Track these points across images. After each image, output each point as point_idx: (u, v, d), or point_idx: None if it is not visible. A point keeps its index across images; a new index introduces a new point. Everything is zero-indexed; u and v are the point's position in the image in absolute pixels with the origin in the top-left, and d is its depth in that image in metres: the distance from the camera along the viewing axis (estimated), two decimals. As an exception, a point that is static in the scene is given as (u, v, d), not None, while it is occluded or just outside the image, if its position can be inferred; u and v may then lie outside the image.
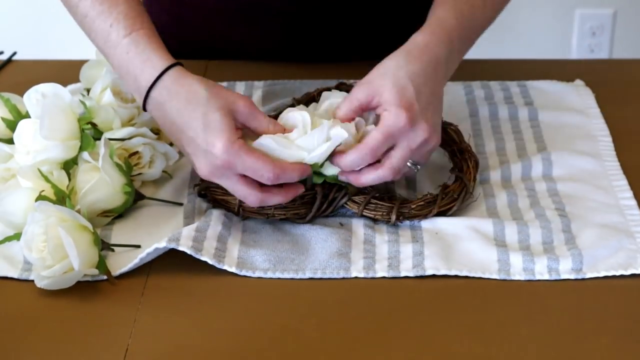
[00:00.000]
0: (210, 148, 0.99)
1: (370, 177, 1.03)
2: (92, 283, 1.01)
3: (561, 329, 0.94)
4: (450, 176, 1.12)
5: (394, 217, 1.06)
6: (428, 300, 0.98)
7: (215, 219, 1.06)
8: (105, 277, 1.01)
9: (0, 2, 2.56)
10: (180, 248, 1.00)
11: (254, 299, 0.99)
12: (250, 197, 1.01)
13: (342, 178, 1.04)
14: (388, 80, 1.02)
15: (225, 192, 1.07)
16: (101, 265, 1.01)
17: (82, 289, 1.00)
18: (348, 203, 1.07)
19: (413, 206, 1.07)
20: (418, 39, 1.06)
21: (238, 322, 0.96)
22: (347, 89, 1.22)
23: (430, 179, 1.15)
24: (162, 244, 1.00)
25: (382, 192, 1.09)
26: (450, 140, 1.17)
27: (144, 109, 1.04)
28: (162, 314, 0.97)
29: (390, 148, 1.02)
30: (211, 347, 0.93)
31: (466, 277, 1.00)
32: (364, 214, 1.07)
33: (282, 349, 0.93)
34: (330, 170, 1.04)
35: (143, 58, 1.03)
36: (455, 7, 1.08)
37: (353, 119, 1.03)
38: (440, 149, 1.18)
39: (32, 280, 1.01)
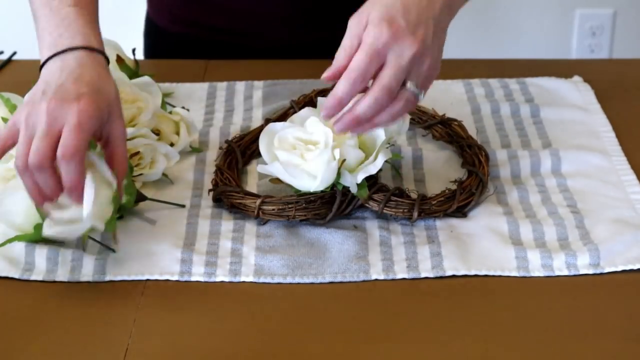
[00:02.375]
0: (74, 97, 0.97)
1: (364, 105, 0.96)
2: (92, 283, 1.01)
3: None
4: (463, 172, 1.12)
5: (415, 214, 1.06)
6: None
7: (224, 235, 1.06)
8: (105, 278, 1.01)
9: (1, 2, 2.56)
10: (193, 279, 1.01)
11: (254, 300, 0.99)
12: (40, 152, 0.95)
13: (339, 126, 0.98)
14: (377, 2, 0.96)
15: (244, 196, 1.07)
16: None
17: (82, 289, 1.00)
18: (369, 202, 1.07)
19: (434, 202, 1.07)
20: None
21: (238, 323, 0.96)
22: None
23: (437, 176, 1.15)
24: (175, 277, 1.01)
25: (394, 190, 1.08)
26: (457, 135, 1.17)
27: (41, 66, 1.03)
28: (162, 314, 0.97)
29: (381, 68, 0.96)
30: (211, 347, 0.93)
31: (485, 275, 1.01)
32: (385, 211, 1.07)
33: (282, 349, 0.93)
34: (345, 181, 1.04)
35: (82, 31, 1.03)
36: None
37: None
38: (448, 146, 1.18)
39: (33, 281, 1.01)
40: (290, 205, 1.05)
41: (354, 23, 0.97)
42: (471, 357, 0.91)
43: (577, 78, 1.34)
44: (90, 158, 0.98)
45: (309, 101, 1.21)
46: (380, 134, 1.05)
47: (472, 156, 1.14)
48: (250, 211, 1.07)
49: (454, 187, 1.10)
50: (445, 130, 1.19)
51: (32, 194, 0.98)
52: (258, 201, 1.06)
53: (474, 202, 1.08)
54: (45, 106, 0.96)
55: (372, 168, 1.04)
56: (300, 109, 1.17)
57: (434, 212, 1.07)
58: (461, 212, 1.08)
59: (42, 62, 1.03)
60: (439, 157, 1.17)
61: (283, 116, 1.21)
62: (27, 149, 0.96)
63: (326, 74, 0.97)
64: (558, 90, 1.32)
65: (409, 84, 0.97)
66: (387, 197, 1.06)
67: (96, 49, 1.03)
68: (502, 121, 1.25)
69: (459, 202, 1.07)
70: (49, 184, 0.96)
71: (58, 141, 0.96)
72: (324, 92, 1.22)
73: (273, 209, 1.06)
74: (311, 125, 1.05)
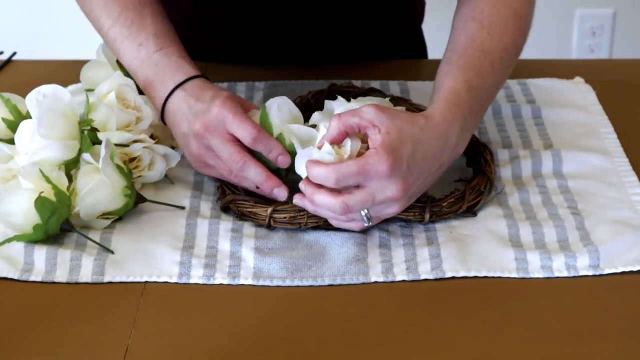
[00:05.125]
0: (210, 107, 1.06)
1: (322, 199, 1.00)
2: (92, 284, 1.01)
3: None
4: (466, 172, 1.12)
5: (427, 216, 1.06)
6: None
7: (222, 237, 1.06)
8: (104, 279, 1.01)
9: (1, 2, 2.56)
10: (192, 281, 1.01)
11: (253, 301, 0.99)
12: (233, 155, 1.05)
13: (301, 186, 1.02)
14: (394, 124, 0.99)
15: (254, 205, 1.07)
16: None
17: (82, 289, 1.00)
18: None
19: (444, 204, 1.07)
20: (435, 113, 1.03)
21: (237, 324, 0.96)
22: (338, 89, 1.23)
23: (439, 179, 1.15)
24: (173, 279, 1.01)
25: None
26: None
27: (162, 119, 1.12)
28: (162, 315, 0.97)
29: (358, 186, 1.00)
30: (210, 348, 0.93)
31: (484, 277, 1.01)
32: (396, 215, 1.06)
33: (281, 351, 0.93)
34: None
35: (174, 67, 1.12)
36: (465, 77, 1.07)
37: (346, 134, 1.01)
38: None
39: (32, 281, 1.01)
40: (302, 213, 1.05)
41: (371, 110, 1.00)
42: (471, 359, 0.91)
43: (578, 79, 1.34)
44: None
45: (306, 103, 1.21)
46: None
47: (477, 154, 1.14)
48: (261, 220, 1.06)
49: (459, 186, 1.10)
50: None
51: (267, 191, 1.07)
52: (269, 210, 1.06)
53: (482, 201, 1.08)
54: (198, 130, 1.07)
55: None
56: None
57: (445, 213, 1.06)
58: (471, 212, 1.08)
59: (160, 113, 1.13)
60: None
61: None
62: (226, 167, 1.07)
63: (317, 142, 1.03)
64: (559, 91, 1.32)
65: (364, 212, 1.01)
66: None
67: (195, 76, 1.12)
68: (504, 122, 1.25)
69: (468, 202, 1.07)
70: (261, 172, 1.06)
71: (236, 139, 1.06)
72: (320, 94, 1.22)
73: (284, 217, 1.06)
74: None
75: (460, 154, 1.06)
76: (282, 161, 1.06)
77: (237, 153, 1.06)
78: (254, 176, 1.06)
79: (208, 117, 1.06)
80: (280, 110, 1.07)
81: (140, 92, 1.16)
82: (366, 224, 1.02)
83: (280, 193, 1.06)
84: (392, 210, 1.01)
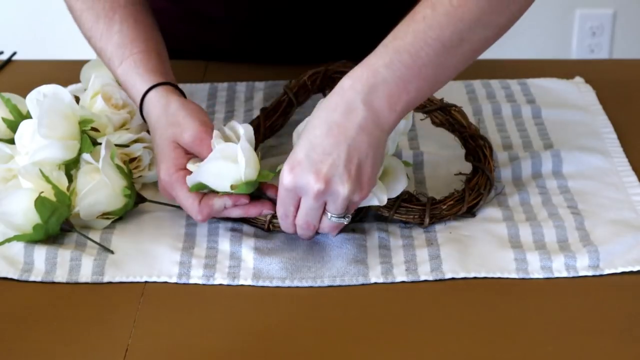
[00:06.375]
0: (158, 169, 1.06)
1: (298, 229, 1.02)
2: (91, 284, 1.01)
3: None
4: (466, 167, 1.12)
5: (427, 219, 1.05)
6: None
7: (222, 237, 1.06)
8: (103, 279, 1.01)
9: (0, 2, 2.56)
10: (192, 281, 1.01)
11: (253, 302, 0.99)
12: (192, 212, 1.04)
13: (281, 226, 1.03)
14: (301, 136, 0.99)
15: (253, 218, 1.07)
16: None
17: (82, 289, 1.00)
18: (379, 209, 1.06)
19: (444, 206, 1.06)
20: (339, 82, 0.99)
21: (237, 325, 0.96)
22: (334, 69, 1.22)
23: (438, 167, 1.15)
24: (173, 279, 1.01)
25: (403, 196, 1.07)
26: (458, 124, 1.16)
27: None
28: (162, 315, 0.97)
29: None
30: (211, 347, 0.93)
31: (484, 277, 1.01)
32: (395, 217, 1.06)
33: (280, 352, 0.92)
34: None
35: (131, 84, 1.11)
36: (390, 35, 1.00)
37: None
38: (449, 135, 1.18)
39: (32, 281, 1.01)
40: None
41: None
42: (471, 359, 0.91)
43: (578, 79, 1.34)
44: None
45: (303, 85, 1.20)
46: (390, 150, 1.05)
47: (476, 149, 1.13)
48: (260, 224, 1.06)
49: (458, 181, 1.09)
50: (446, 118, 1.17)
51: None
52: (269, 216, 1.06)
53: (482, 201, 1.08)
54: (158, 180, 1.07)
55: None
56: (294, 94, 1.17)
57: (445, 216, 1.06)
58: (470, 213, 1.08)
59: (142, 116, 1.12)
60: (441, 159, 1.17)
61: (278, 105, 1.20)
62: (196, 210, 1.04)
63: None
64: (559, 91, 1.32)
65: (329, 215, 1.00)
66: (398, 204, 1.06)
67: (154, 85, 1.10)
68: (504, 122, 1.25)
69: (468, 203, 1.07)
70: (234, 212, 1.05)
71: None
72: (317, 74, 1.21)
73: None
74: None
75: (397, 112, 0.98)
76: (242, 209, 1.05)
77: (196, 211, 1.03)
78: (235, 215, 1.05)
79: (160, 182, 1.05)
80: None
81: None
82: (339, 220, 1.00)
83: (264, 211, 1.05)
84: (341, 196, 0.97)
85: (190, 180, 1.02)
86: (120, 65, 1.12)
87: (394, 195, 1.04)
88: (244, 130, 1.02)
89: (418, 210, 1.06)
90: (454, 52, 0.99)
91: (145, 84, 1.10)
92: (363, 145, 0.97)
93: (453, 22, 0.97)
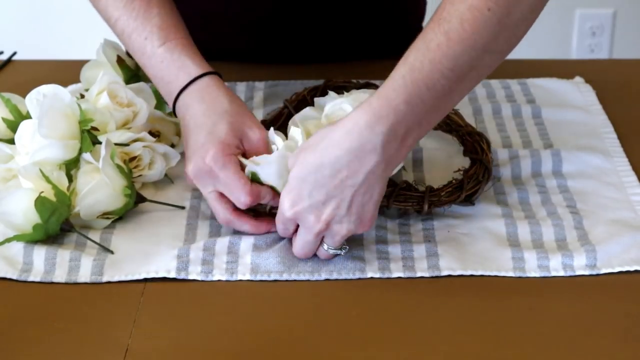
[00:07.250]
0: (203, 152, 1.02)
1: (295, 252, 1.03)
2: (91, 284, 1.01)
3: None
4: (464, 164, 1.12)
5: (426, 206, 1.05)
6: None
7: (222, 235, 1.06)
8: (103, 279, 1.01)
9: (1, 2, 2.56)
10: (191, 277, 1.01)
11: (251, 298, 0.99)
12: (220, 214, 1.04)
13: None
14: (299, 163, 0.99)
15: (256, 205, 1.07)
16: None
17: (82, 289, 1.00)
18: None
19: (442, 193, 1.07)
20: (353, 115, 0.97)
21: (238, 323, 0.96)
22: (333, 84, 1.22)
23: (436, 164, 1.15)
24: (172, 274, 1.01)
25: (402, 184, 1.07)
26: (455, 124, 1.17)
27: (174, 113, 1.10)
28: (162, 314, 0.97)
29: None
30: (211, 347, 0.93)
31: (481, 275, 1.01)
32: (394, 205, 1.06)
33: (279, 347, 0.93)
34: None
35: (178, 65, 1.09)
36: (405, 63, 0.98)
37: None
38: (446, 135, 1.18)
39: (32, 281, 1.01)
40: None
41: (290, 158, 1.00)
42: (466, 357, 0.91)
43: (578, 79, 1.34)
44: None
45: (302, 99, 1.21)
46: None
47: (474, 144, 1.13)
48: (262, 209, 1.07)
49: (458, 176, 1.10)
50: (444, 120, 1.18)
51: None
52: (268, 206, 1.06)
53: (481, 190, 1.08)
54: (189, 174, 1.05)
55: None
56: (294, 108, 1.17)
57: (444, 203, 1.06)
58: (469, 201, 1.08)
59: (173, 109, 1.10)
60: (439, 154, 1.17)
61: (277, 117, 1.20)
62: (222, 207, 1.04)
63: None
64: (559, 91, 1.32)
65: (325, 246, 1.01)
66: (396, 191, 1.06)
67: (197, 77, 1.08)
68: (504, 122, 1.25)
69: (466, 191, 1.07)
70: (248, 227, 1.05)
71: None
72: (315, 90, 1.22)
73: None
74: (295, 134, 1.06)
75: (407, 147, 0.99)
76: (254, 226, 1.05)
77: (222, 213, 1.04)
78: (243, 229, 1.05)
79: (199, 165, 1.03)
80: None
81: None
82: (336, 252, 1.01)
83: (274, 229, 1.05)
84: (339, 235, 0.99)
85: (249, 169, 1.02)
86: (162, 45, 1.09)
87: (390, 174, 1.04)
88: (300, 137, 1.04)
89: (417, 197, 1.06)
90: (463, 79, 0.98)
91: (198, 68, 1.08)
92: (368, 188, 0.98)
93: (467, 51, 0.96)
